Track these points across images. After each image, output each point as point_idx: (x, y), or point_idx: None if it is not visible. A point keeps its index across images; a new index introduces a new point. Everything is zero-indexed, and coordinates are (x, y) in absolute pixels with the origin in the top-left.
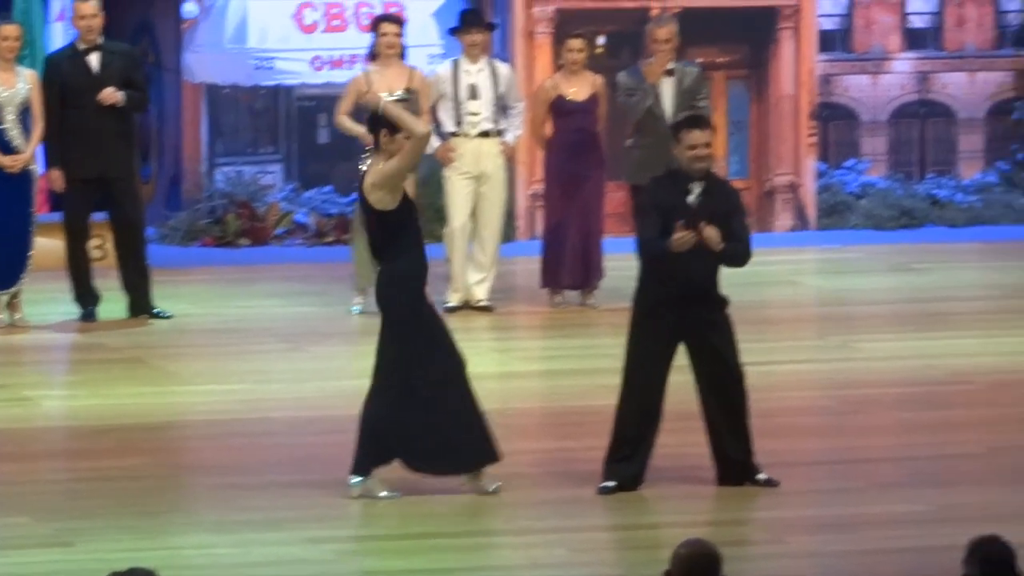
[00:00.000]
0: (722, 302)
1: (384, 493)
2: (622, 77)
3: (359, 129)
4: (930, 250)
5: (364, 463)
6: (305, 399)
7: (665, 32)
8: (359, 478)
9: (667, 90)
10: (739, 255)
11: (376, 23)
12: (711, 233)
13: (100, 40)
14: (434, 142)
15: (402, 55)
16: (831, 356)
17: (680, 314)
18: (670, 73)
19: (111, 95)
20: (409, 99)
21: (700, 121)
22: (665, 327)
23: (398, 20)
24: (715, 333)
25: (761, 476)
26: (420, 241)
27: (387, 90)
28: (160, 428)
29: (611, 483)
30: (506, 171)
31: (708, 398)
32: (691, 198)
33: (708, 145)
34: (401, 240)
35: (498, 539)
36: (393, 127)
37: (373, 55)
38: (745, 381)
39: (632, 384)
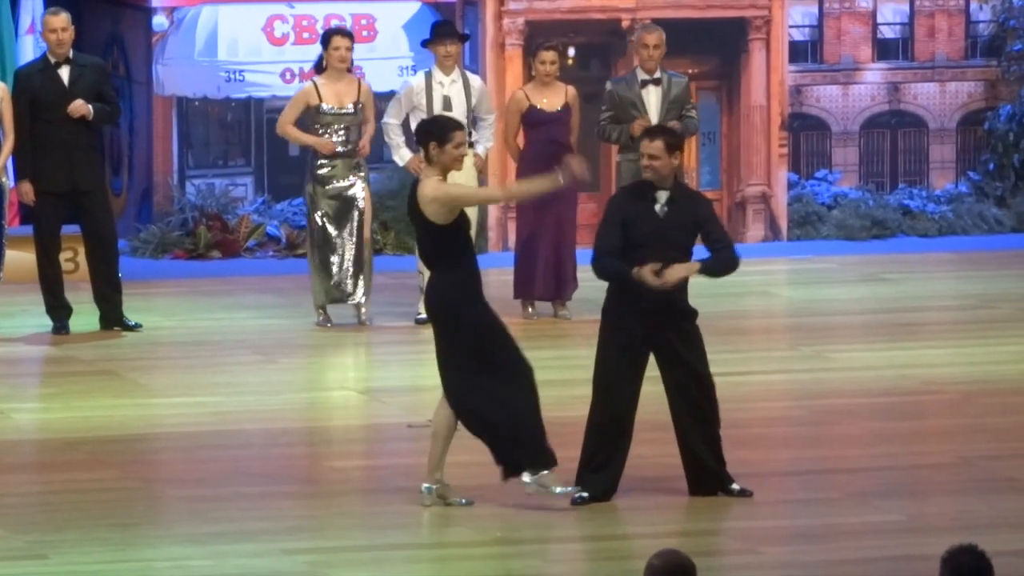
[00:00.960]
0: (691, 313)
1: (559, 489)
2: (612, 87)
3: (307, 138)
4: (902, 260)
5: (522, 460)
6: (277, 411)
7: (654, 38)
8: (530, 476)
9: (653, 99)
10: (726, 262)
11: (327, 37)
12: (672, 276)
13: (70, 54)
14: (405, 155)
15: (350, 68)
16: (803, 366)
17: (648, 325)
18: (657, 82)
19: (81, 108)
20: (356, 112)
21: (655, 132)
22: (634, 338)
23: (349, 34)
24: (683, 343)
25: (735, 486)
26: (472, 249)
27: (336, 103)
28: (132, 440)
29: (584, 494)
30: (478, 183)
31: (678, 408)
32: (657, 207)
33: (654, 157)
34: (454, 251)
35: (471, 550)
36: (442, 139)
37: (321, 67)
38: (714, 391)
39: (602, 395)
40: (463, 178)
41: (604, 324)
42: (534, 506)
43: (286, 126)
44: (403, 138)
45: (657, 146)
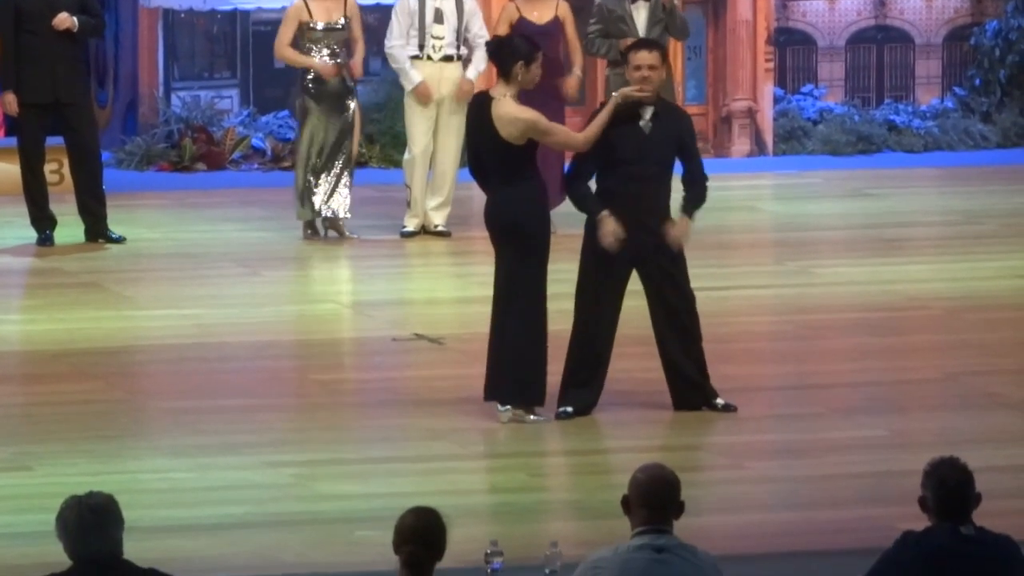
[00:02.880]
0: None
1: (533, 417)
2: (602, 1)
3: (303, 59)
4: (887, 176)
5: (528, 394)
6: (262, 323)
7: None
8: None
9: (642, 15)
10: (702, 198)
11: None
12: (676, 236)
13: None
14: (415, 78)
15: None
16: (789, 281)
17: (630, 242)
18: None
19: (65, 20)
20: (344, 28)
21: (649, 43)
22: (615, 255)
23: None
24: (665, 258)
25: (719, 401)
26: (537, 168)
27: (326, 18)
28: (117, 352)
29: (568, 408)
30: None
31: (661, 322)
32: (642, 122)
33: (653, 67)
34: (526, 167)
35: (456, 464)
36: (529, 58)
37: None
38: (695, 305)
39: (584, 311)
40: (452, 91)
41: (587, 240)
42: (515, 423)
43: (284, 49)
44: (409, 61)
45: (655, 56)
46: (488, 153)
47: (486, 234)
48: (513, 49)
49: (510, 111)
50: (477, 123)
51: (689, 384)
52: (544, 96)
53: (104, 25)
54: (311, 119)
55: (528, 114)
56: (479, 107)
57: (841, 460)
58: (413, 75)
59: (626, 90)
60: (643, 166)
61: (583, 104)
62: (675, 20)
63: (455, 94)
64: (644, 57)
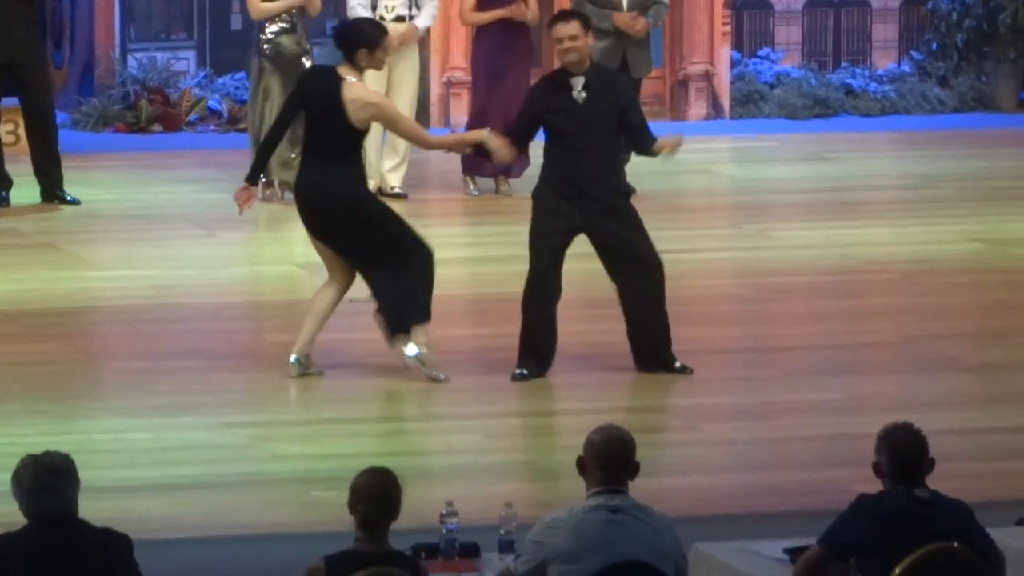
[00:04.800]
0: (623, 192)
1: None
2: None
3: (277, 4)
4: (844, 139)
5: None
6: (218, 285)
7: None
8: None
9: None
10: (638, 148)
11: None
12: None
13: None
14: (399, 27)
15: None
16: (745, 244)
17: (579, 209)
18: None
19: None
20: None
21: (567, 15)
22: (564, 221)
23: None
24: (616, 222)
25: (676, 364)
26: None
27: None
28: (72, 313)
29: (524, 371)
30: (418, 57)
31: (623, 286)
32: (575, 93)
33: (574, 38)
34: (358, 148)
35: (413, 424)
36: (373, 46)
37: None
38: (662, 268)
39: (535, 276)
40: (404, 52)
41: (536, 209)
42: (475, 384)
43: (257, 4)
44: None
45: (574, 26)
46: (328, 130)
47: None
48: (359, 34)
49: (362, 95)
50: (323, 100)
51: (649, 347)
52: (511, 57)
53: None
54: (265, 79)
55: (379, 99)
56: (327, 83)
57: (797, 423)
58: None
59: (495, 142)
60: (581, 138)
61: (540, 64)
62: (665, 7)
63: (397, 36)
64: (561, 29)
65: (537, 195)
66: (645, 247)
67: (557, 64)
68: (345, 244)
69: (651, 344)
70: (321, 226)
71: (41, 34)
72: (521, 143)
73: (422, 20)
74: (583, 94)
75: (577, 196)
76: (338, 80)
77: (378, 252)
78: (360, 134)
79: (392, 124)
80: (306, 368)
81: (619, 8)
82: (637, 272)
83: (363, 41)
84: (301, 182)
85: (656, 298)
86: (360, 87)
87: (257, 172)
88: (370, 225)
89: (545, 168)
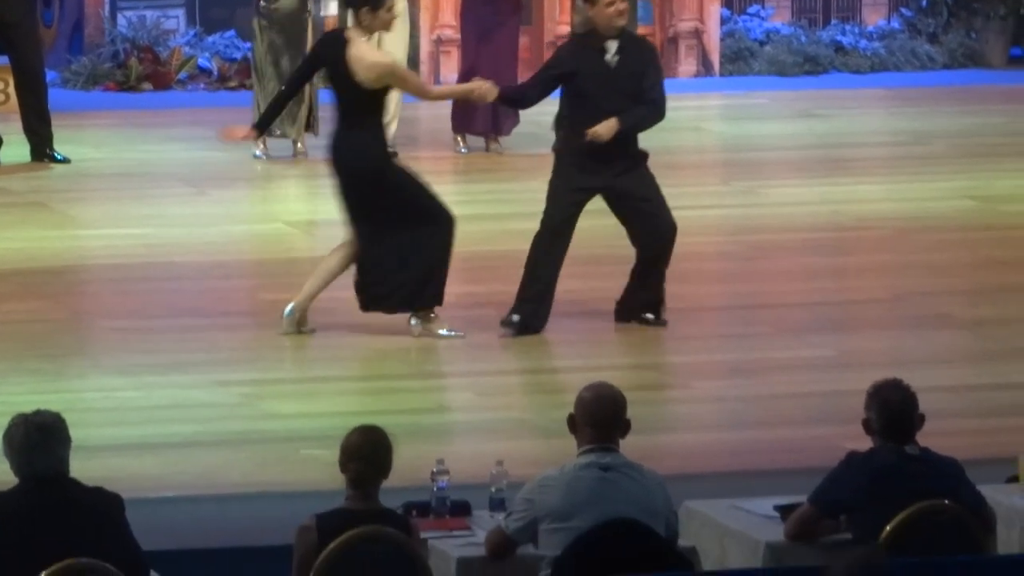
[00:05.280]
0: (641, 156)
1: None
2: None
3: None
4: (834, 96)
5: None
6: (209, 243)
7: None
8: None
9: None
10: (645, 119)
11: None
12: (600, 132)
13: None
14: (332, 9)
15: None
16: (736, 202)
17: (602, 170)
18: None
19: None
20: None
21: None
22: (587, 179)
23: None
24: (636, 183)
25: (648, 315)
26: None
27: None
28: (62, 272)
29: (516, 316)
30: (407, 15)
31: (639, 246)
32: (608, 56)
33: (625, 2)
34: (375, 110)
35: (404, 383)
36: (377, 4)
37: None
38: (675, 231)
39: (549, 229)
40: (395, 38)
41: (557, 164)
42: (467, 342)
43: None
44: None
45: None
46: (340, 93)
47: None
48: None
49: (366, 57)
50: (333, 62)
51: (641, 302)
52: (500, 15)
53: None
54: (264, 35)
55: (384, 61)
56: (334, 46)
57: (788, 380)
58: (331, 5)
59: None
60: (610, 100)
61: (531, 23)
62: None
63: None
64: None
65: (560, 151)
66: (663, 209)
67: (551, 23)
68: (365, 211)
69: (641, 307)
70: (342, 192)
71: None
72: (533, 96)
73: None
74: (616, 57)
75: (601, 157)
76: (345, 42)
77: (398, 221)
78: (372, 95)
79: (402, 83)
80: (300, 325)
81: None
82: (652, 235)
83: (365, 1)
84: (327, 148)
85: (662, 262)
86: (365, 47)
87: (266, 123)
88: (388, 195)
89: (569, 127)
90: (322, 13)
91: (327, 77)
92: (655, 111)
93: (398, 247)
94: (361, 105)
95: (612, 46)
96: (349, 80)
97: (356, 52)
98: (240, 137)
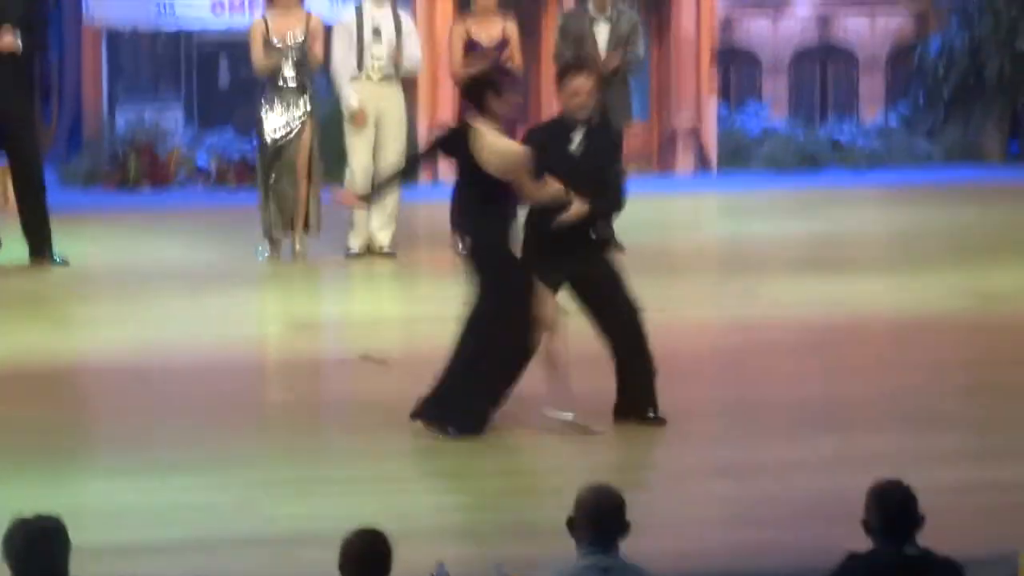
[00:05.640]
0: (601, 244)
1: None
2: (563, 21)
3: (263, 61)
4: (832, 193)
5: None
6: (207, 344)
7: None
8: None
9: (602, 34)
10: (606, 207)
11: None
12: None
13: None
14: (352, 103)
15: (300, 0)
16: (733, 299)
17: (566, 260)
18: (607, 19)
19: (9, 43)
20: (304, 46)
21: (584, 66)
22: (555, 275)
23: None
24: (598, 268)
25: (651, 414)
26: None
27: (287, 35)
28: (61, 373)
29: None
30: (406, 113)
31: (610, 329)
32: (573, 146)
33: (590, 92)
34: (497, 199)
35: (401, 484)
36: (499, 89)
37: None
38: (642, 315)
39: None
40: (392, 108)
41: (526, 260)
42: (465, 443)
43: (258, 61)
44: (349, 83)
45: (592, 80)
46: (469, 182)
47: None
48: (479, 82)
49: (487, 145)
50: (464, 151)
51: (634, 392)
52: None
53: (47, 44)
54: (267, 133)
55: (498, 146)
56: (462, 135)
57: (786, 479)
58: (351, 100)
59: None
60: (574, 188)
61: (526, 121)
62: (637, 57)
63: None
64: (582, 83)
65: (525, 246)
66: (626, 290)
67: (543, 115)
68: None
69: (638, 405)
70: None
71: (29, 91)
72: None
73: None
74: (581, 147)
75: (564, 246)
76: (473, 131)
77: (478, 322)
78: (503, 184)
79: (524, 178)
80: (581, 426)
81: (595, 52)
82: (621, 315)
83: (490, 86)
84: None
85: (638, 352)
86: (492, 134)
87: (378, 194)
88: (484, 290)
89: (529, 214)
90: (345, 110)
91: (458, 166)
92: (613, 198)
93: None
94: (484, 191)
95: (578, 135)
96: (479, 170)
97: (485, 138)
98: (351, 203)
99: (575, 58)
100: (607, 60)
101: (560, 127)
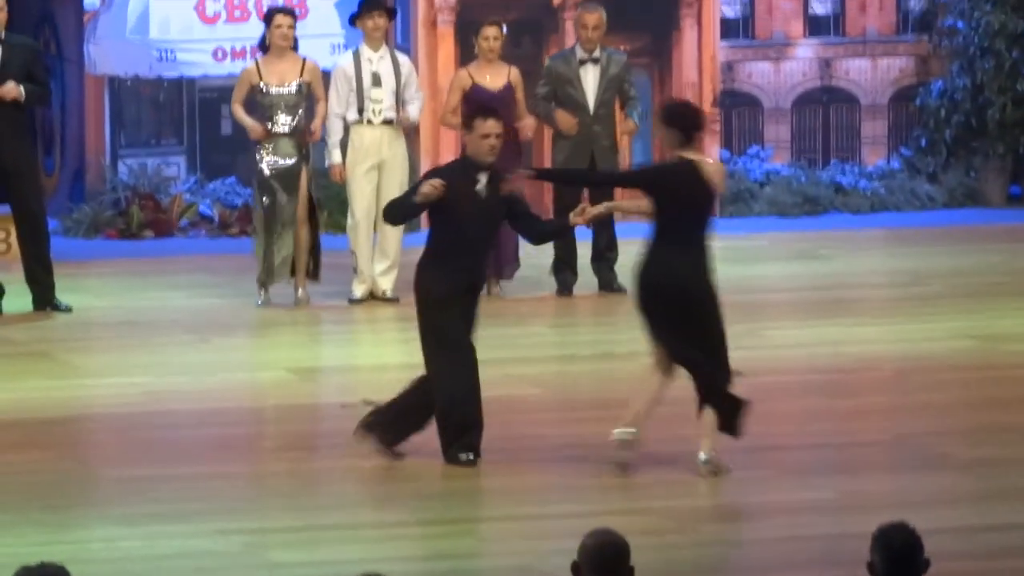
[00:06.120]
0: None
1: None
2: (551, 63)
3: (248, 121)
4: (834, 237)
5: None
6: (210, 391)
7: (594, 19)
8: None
9: (590, 77)
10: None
11: (270, 15)
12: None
13: (2, 34)
14: (336, 157)
15: (295, 46)
16: (737, 344)
17: (471, 298)
18: (595, 61)
19: (12, 91)
20: (298, 91)
21: (493, 111)
22: (464, 310)
23: (291, 12)
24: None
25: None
26: None
27: (277, 82)
28: (65, 421)
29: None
30: (407, 159)
31: None
32: (479, 187)
33: (499, 136)
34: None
35: (403, 530)
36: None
37: (265, 46)
38: None
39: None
40: (393, 154)
41: (440, 300)
42: (465, 488)
43: (234, 105)
44: (340, 135)
45: (501, 126)
46: (703, 214)
47: None
48: (686, 114)
49: (722, 168)
50: (692, 184)
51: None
52: (500, 160)
53: (50, 94)
54: (264, 182)
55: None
56: (687, 170)
57: (792, 523)
58: (334, 153)
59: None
60: (480, 228)
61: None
62: (633, 99)
63: (400, 122)
64: (492, 126)
65: (439, 287)
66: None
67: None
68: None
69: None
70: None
71: (32, 141)
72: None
73: (414, 107)
74: (486, 189)
75: (471, 285)
76: (695, 163)
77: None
78: None
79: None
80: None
81: (581, 96)
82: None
83: (698, 119)
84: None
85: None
86: (712, 162)
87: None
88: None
89: (437, 255)
90: (326, 163)
91: (675, 205)
92: (547, 227)
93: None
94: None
95: (483, 177)
96: (712, 198)
97: (711, 167)
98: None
99: (483, 103)
100: (571, 126)
101: (467, 167)
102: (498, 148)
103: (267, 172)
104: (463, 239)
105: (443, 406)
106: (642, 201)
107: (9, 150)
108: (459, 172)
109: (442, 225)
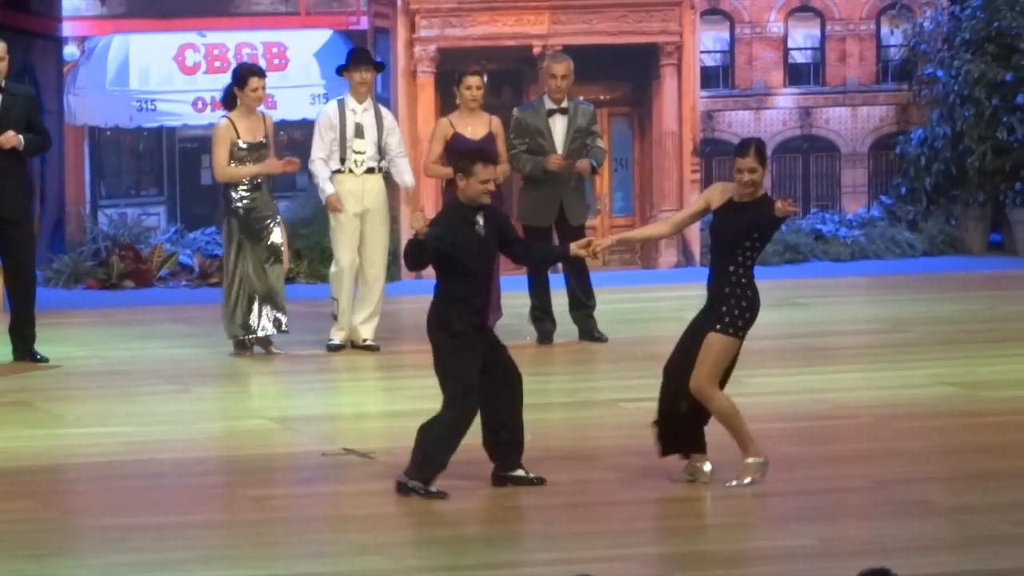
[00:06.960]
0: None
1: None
2: (519, 114)
3: (252, 168)
4: (814, 285)
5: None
6: (191, 440)
7: (562, 68)
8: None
9: (559, 127)
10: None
11: (243, 77)
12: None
13: (2, 83)
14: (327, 189)
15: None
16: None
17: (482, 338)
18: (563, 111)
19: (12, 139)
20: (266, 145)
21: (494, 158)
22: (477, 355)
23: (263, 72)
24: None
25: (522, 473)
26: None
27: (250, 137)
28: (46, 471)
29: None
30: (389, 208)
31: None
32: (478, 227)
33: (491, 181)
34: None
35: None
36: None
37: (230, 102)
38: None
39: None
40: (375, 203)
41: (458, 343)
42: (446, 536)
43: (224, 168)
44: (328, 173)
45: (492, 170)
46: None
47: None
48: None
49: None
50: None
51: (507, 448)
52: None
53: (50, 143)
54: (236, 239)
55: None
56: (762, 206)
57: (772, 570)
58: (326, 187)
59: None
60: (483, 265)
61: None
62: (599, 149)
63: (406, 202)
64: (491, 172)
65: (454, 329)
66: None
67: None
68: None
69: (507, 446)
70: None
71: (30, 192)
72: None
73: (409, 176)
74: (484, 227)
75: (482, 323)
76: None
77: None
78: None
79: None
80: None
81: (551, 146)
82: (501, 381)
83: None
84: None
85: (517, 404)
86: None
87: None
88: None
89: (454, 300)
90: (322, 200)
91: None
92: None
93: None
94: None
95: (479, 217)
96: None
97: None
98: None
99: (482, 150)
100: (563, 162)
101: (463, 211)
102: (492, 191)
103: (236, 227)
104: (474, 279)
105: (429, 440)
106: (651, 229)
107: (8, 199)
108: (458, 217)
109: (452, 270)
